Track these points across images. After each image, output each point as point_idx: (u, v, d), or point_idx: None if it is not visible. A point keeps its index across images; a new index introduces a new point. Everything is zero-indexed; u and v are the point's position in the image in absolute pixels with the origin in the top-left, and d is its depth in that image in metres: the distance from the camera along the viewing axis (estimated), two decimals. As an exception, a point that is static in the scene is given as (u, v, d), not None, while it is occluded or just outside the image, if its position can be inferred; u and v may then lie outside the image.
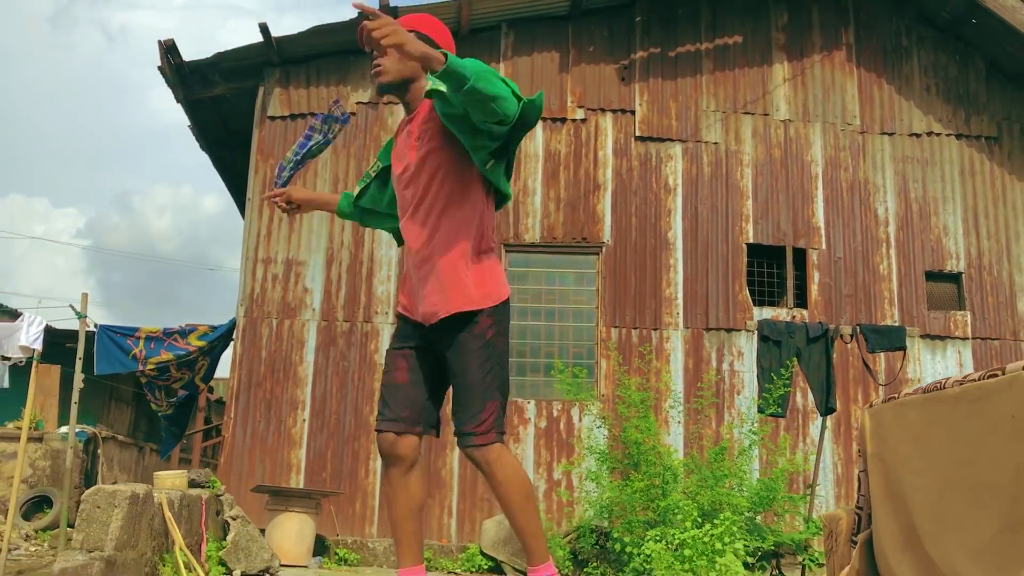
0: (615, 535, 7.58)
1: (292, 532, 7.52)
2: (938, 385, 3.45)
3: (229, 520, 6.32)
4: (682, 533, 6.84)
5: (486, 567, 8.86)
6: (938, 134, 10.98)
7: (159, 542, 4.83)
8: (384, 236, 10.29)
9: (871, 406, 4.05)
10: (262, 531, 7.41)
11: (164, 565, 4.83)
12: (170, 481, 6.38)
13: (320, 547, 8.44)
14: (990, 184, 10.94)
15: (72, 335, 11.66)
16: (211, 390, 16.23)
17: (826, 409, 8.30)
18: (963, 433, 3.06)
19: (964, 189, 10.88)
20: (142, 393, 14.98)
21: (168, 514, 4.88)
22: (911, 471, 3.56)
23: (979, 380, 3.14)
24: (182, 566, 4.81)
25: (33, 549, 9.85)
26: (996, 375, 3.05)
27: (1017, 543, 2.81)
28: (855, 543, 4.18)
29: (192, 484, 6.55)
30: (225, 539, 6.25)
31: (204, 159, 13.54)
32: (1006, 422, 2.90)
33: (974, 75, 11.20)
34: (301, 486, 9.17)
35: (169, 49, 9.92)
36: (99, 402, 16.18)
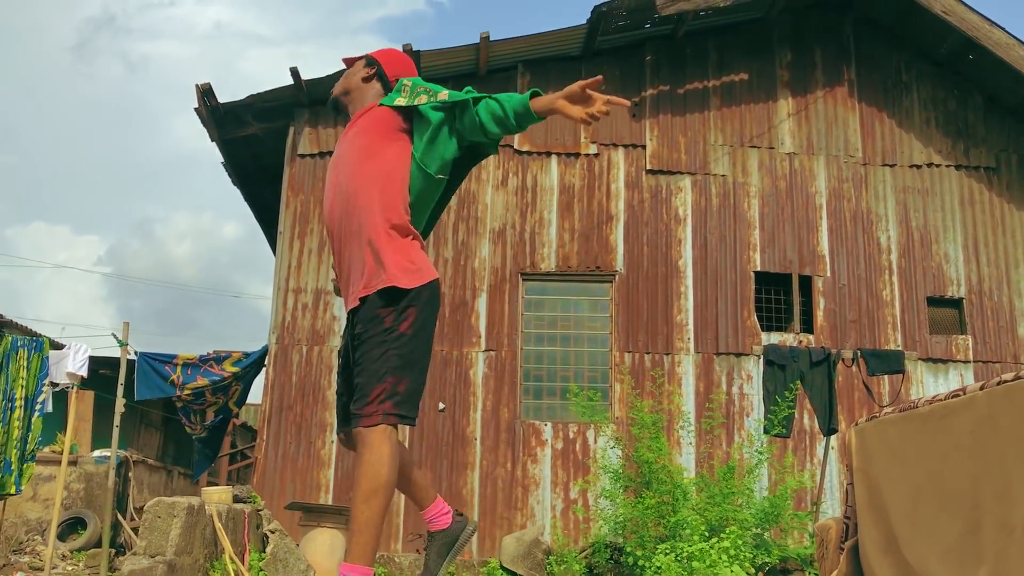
0: (628, 549, 8.01)
1: (324, 546, 7.98)
2: (912, 404, 3.89)
3: (268, 533, 6.81)
4: (691, 547, 7.27)
5: (506, 581, 9.29)
6: (938, 165, 11.43)
7: (210, 550, 5.32)
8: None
9: (856, 424, 4.49)
10: (296, 545, 7.89)
11: (214, 571, 5.31)
12: (217, 496, 6.87)
13: (349, 562, 8.88)
14: (989, 213, 11.36)
15: (104, 362, 12.24)
16: (236, 415, 16.74)
17: (828, 429, 8.73)
18: (932, 447, 3.43)
19: (964, 218, 11.32)
20: (170, 417, 15.49)
21: (219, 524, 5.37)
22: (890, 482, 3.96)
23: (944, 400, 3.58)
24: (231, 573, 5.30)
25: (70, 568, 10.34)
26: (958, 395, 3.49)
27: (977, 544, 3.22)
28: (843, 550, 4.59)
29: (236, 500, 7.04)
30: (264, 551, 6.73)
31: (225, 186, 14.19)
32: (966, 437, 3.31)
33: (972, 108, 11.66)
34: (330, 503, 9.65)
35: (206, 92, 10.54)
36: (130, 426, 16.67)
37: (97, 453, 13.17)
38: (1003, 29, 10.74)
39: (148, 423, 17.64)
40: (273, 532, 6.75)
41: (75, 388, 9.98)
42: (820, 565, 4.93)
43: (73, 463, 12.27)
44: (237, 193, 12.97)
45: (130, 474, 12.93)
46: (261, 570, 6.51)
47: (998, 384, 3.22)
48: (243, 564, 6.16)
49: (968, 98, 11.68)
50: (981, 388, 3.31)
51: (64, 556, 10.93)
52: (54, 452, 11.99)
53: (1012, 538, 3.06)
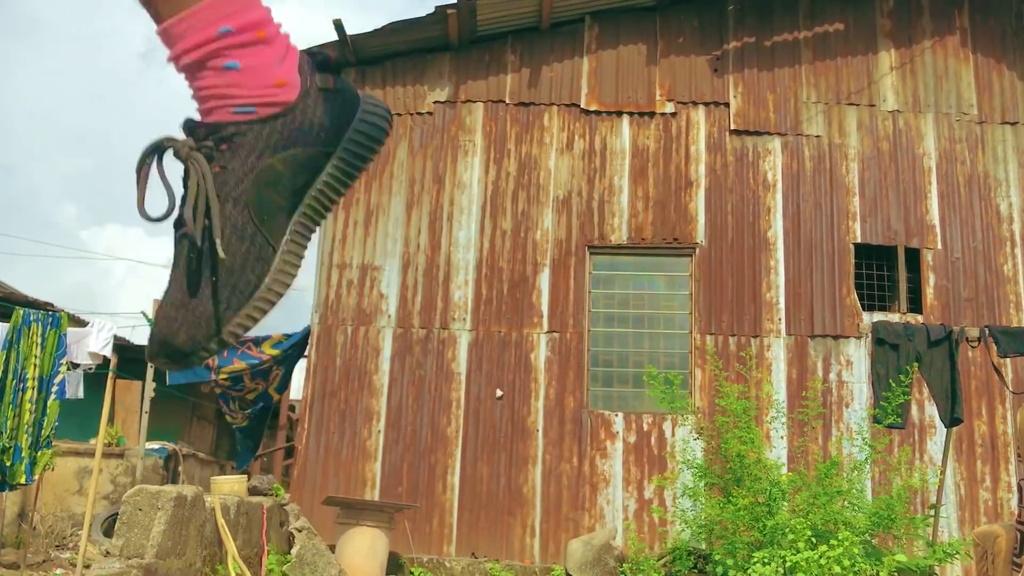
0: (716, 557, 6.84)
1: (363, 547, 6.99)
2: None
3: (294, 532, 5.84)
4: (794, 555, 6.08)
5: (573, 591, 8.17)
6: (1067, 122, 9.98)
7: (211, 551, 4.36)
8: (461, 239, 9.81)
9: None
10: (332, 547, 6.91)
11: (217, 577, 4.35)
12: (228, 487, 5.93)
13: (394, 565, 7.90)
14: None
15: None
16: (292, 409, 16.01)
17: (952, 420, 7.44)
18: None
19: (1099, 182, 9.85)
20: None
21: (221, 520, 4.41)
22: None
23: None
24: (235, 577, 4.32)
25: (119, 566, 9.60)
26: None
27: None
28: (1019, 566, 3.49)
29: (253, 491, 6.10)
30: (290, 552, 5.77)
31: None
32: None
33: (1107, 58, 10.18)
34: (376, 500, 8.67)
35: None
36: (181, 419, 16.18)
37: (148, 445, 12.53)
38: None
39: (201, 416, 17.20)
40: (300, 531, 5.78)
41: (112, 374, 9.23)
42: (986, 584, 3.81)
43: (120, 456, 11.63)
44: None
45: (180, 468, 12.23)
46: (284, 574, 5.55)
47: None
48: (260, 568, 5.19)
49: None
50: None
51: (107, 552, 10.23)
52: (93, 445, 11.34)
53: None
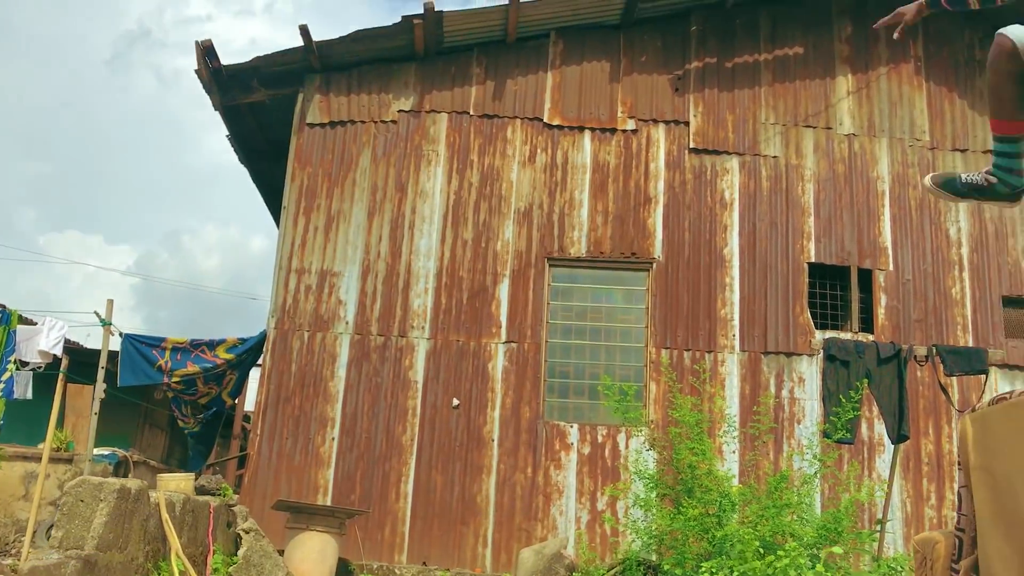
0: (665, 567, 6.88)
1: (313, 552, 6.94)
2: None
3: (242, 533, 5.77)
4: (741, 565, 6.14)
5: (523, 601, 8.15)
6: (1015, 151, 10.24)
7: (154, 547, 4.30)
8: (422, 248, 9.82)
9: (973, 410, 3.44)
10: (281, 552, 6.84)
11: (159, 573, 4.29)
12: (175, 484, 5.86)
13: (343, 571, 7.84)
14: (1073, 205, 10.15)
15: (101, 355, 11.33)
16: (247, 419, 15.84)
17: (899, 436, 7.58)
18: None
19: (1044, 210, 10.11)
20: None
21: (166, 516, 4.36)
22: None
23: None
24: (177, 573, 4.26)
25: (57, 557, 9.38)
26: None
27: None
28: (956, 571, 3.55)
29: (201, 491, 6.03)
30: (236, 553, 5.70)
31: (253, 199, 13.37)
32: None
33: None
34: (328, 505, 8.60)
35: (207, 52, 9.63)
36: (133, 425, 15.88)
37: (97, 451, 12.30)
38: (1094, -3, 9.56)
39: (154, 423, 16.90)
40: (248, 532, 5.72)
41: (62, 375, 9.07)
42: (923, 589, 3.87)
43: (68, 461, 11.40)
44: (265, 207, 12.09)
45: (129, 475, 12.01)
46: (229, 575, 5.48)
47: None
48: (206, 567, 5.13)
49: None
50: None
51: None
52: (41, 449, 11.10)
53: None
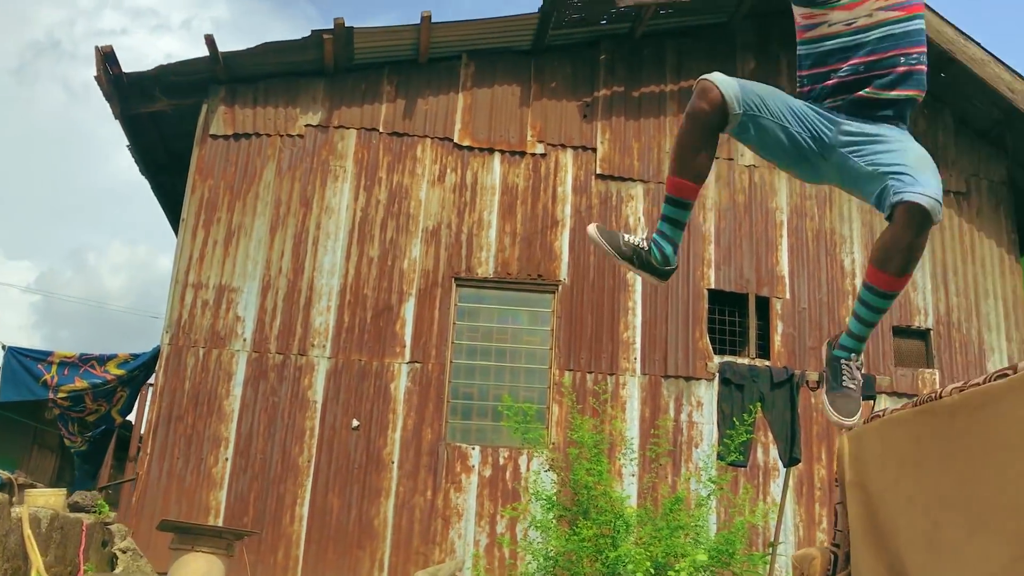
0: (559, 589, 6.84)
1: (197, 574, 6.68)
2: (932, 395, 2.95)
3: (118, 553, 5.52)
4: (632, 585, 6.15)
5: (417, 625, 8.01)
6: (906, 187, 10.67)
7: (14, 565, 4.07)
8: (326, 265, 9.67)
9: (850, 429, 3.52)
10: (163, 574, 6.57)
11: (21, 592, 4.07)
12: (43, 499, 5.57)
13: (231, 595, 7.57)
14: (959, 240, 10.62)
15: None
16: (121, 425, 15.34)
17: (790, 460, 7.71)
18: (963, 447, 2.62)
19: (933, 244, 10.53)
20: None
21: (28, 531, 4.13)
22: (899, 498, 3.08)
23: (983, 384, 2.63)
24: (38, 593, 4.05)
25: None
26: (1006, 375, 2.55)
27: (1034, 574, 2.27)
28: None
29: (75, 508, 5.75)
30: (112, 573, 5.45)
31: (161, 217, 12.97)
32: (1017, 429, 2.36)
33: (943, 130, 10.98)
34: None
35: (107, 57, 9.35)
36: (21, 447, 15.19)
37: (-23, 474, 11.69)
38: (978, 44, 10.11)
39: (43, 444, 16.19)
40: (125, 552, 5.47)
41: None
42: (800, 604, 3.93)
43: (-55, 483, 10.79)
44: (172, 227, 11.73)
45: (14, 499, 11.41)
46: (103, 597, 5.24)
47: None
48: (75, 587, 4.88)
49: (939, 119, 11.00)
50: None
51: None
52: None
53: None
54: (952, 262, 10.51)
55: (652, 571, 6.32)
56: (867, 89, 2.84)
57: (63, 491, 6.05)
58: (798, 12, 2.97)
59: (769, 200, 10.46)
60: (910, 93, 2.93)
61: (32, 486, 12.35)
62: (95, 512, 5.76)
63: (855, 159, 2.79)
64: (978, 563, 2.48)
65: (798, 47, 3.00)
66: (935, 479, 2.77)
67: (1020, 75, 10.12)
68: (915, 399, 3.07)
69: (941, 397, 2.81)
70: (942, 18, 10.11)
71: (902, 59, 2.84)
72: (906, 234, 2.57)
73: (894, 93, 2.89)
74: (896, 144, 2.88)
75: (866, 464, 3.36)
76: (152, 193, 12.02)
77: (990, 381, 2.57)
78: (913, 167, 2.70)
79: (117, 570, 5.38)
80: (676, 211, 2.77)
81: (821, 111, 2.87)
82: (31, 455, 15.35)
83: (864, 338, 3.01)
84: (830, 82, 2.88)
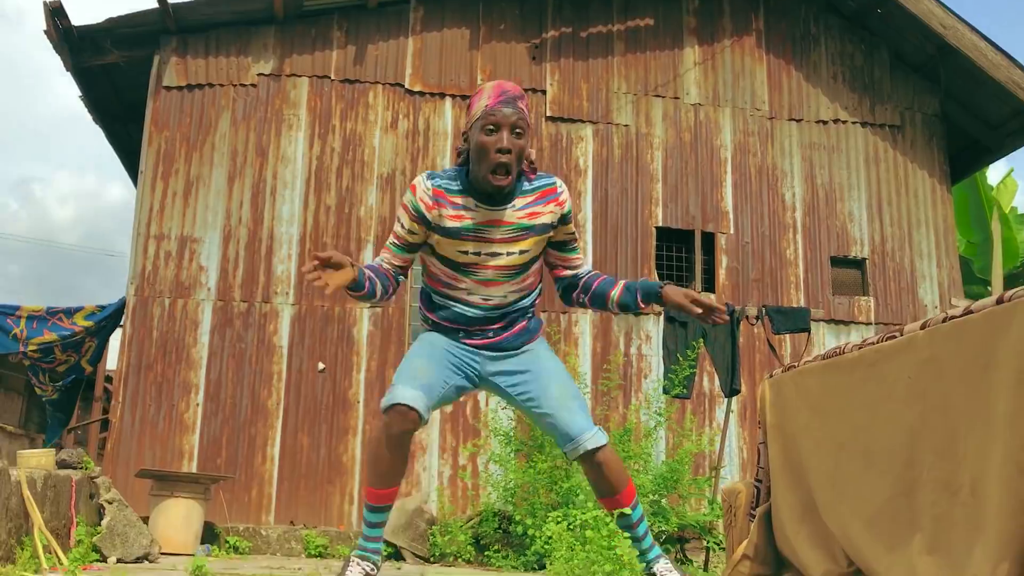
0: (518, 518, 7.40)
1: (178, 518, 7.12)
2: (837, 351, 3.37)
3: (104, 504, 5.92)
4: (584, 514, 6.68)
5: (386, 553, 8.57)
6: (844, 122, 11.10)
7: (17, 524, 4.45)
8: (285, 214, 9.91)
9: (771, 376, 3.95)
10: (145, 519, 7.00)
11: (23, 549, 4.45)
12: (35, 460, 5.93)
13: (210, 535, 8.04)
14: (893, 172, 11.11)
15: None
16: (109, 380, 15.58)
17: (731, 391, 8.27)
18: (859, 398, 3.00)
19: (869, 176, 11.03)
20: (34, 381, 14.25)
21: (27, 493, 4.49)
22: (809, 440, 3.50)
23: (877, 343, 3.07)
24: (40, 549, 4.44)
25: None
26: (894, 336, 2.99)
27: (910, 508, 2.72)
28: (754, 516, 4.07)
29: (63, 465, 6.12)
30: (100, 524, 5.85)
31: (108, 147, 12.89)
32: (901, 384, 2.77)
33: (879, 65, 11.36)
34: (194, 472, 8.74)
35: (55, 11, 9.33)
36: (-14, 391, 15.39)
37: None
38: (912, -20, 10.40)
39: (9, 387, 16.38)
40: (111, 503, 5.86)
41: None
42: (728, 533, 4.40)
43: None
44: (130, 177, 11.71)
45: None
46: (95, 545, 5.64)
47: (944, 321, 2.70)
48: (68, 540, 5.28)
49: (875, 54, 11.37)
50: (922, 327, 2.81)
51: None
52: None
53: (956, 500, 2.60)
54: (887, 194, 11.02)
55: (602, 500, 6.86)
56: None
57: (52, 451, 6.40)
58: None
59: (714, 137, 10.82)
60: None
61: (1, 429, 12.64)
62: (82, 468, 6.13)
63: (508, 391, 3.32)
64: (867, 500, 2.94)
65: None
66: (837, 425, 3.21)
67: (952, 11, 10.47)
68: (823, 353, 3.49)
69: (844, 353, 3.26)
70: (879, -44, 10.39)
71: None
72: (591, 472, 3.15)
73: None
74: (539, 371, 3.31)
75: (783, 409, 3.80)
76: (106, 140, 12.04)
77: (883, 341, 3.01)
78: (567, 407, 3.22)
79: (105, 520, 5.77)
80: (382, 516, 2.95)
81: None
82: (-2, 398, 15.55)
83: (650, 544, 3.34)
84: None
